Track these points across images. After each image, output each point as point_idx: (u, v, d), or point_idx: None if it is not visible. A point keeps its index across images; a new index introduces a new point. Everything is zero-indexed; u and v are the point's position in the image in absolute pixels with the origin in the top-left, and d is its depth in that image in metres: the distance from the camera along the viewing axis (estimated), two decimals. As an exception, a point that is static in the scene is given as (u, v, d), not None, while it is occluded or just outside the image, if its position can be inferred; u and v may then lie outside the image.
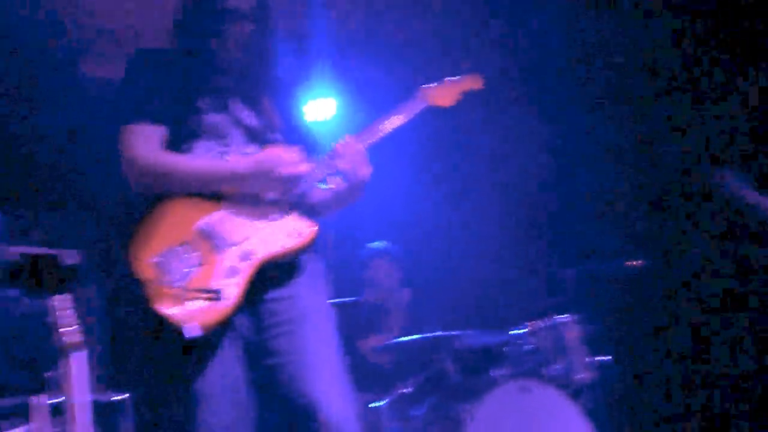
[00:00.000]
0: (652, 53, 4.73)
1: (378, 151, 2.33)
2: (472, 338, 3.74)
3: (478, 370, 3.64)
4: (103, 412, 3.43)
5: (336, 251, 4.73)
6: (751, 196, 3.89)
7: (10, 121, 4.24)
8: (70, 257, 3.59)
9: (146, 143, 2.18)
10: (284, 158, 2.16)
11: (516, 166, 4.93)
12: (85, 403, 2.97)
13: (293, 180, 2.16)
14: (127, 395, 3.46)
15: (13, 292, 2.03)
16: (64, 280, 2.86)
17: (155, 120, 2.21)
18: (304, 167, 2.17)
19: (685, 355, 4.50)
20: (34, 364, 2.63)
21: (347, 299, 4.04)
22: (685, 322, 4.46)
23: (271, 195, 2.17)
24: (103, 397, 3.51)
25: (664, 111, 4.74)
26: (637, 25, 4.65)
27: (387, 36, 4.88)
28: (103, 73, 4.41)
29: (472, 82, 2.60)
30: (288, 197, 2.18)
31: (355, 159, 2.25)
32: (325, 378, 2.07)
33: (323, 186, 2.31)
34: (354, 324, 4.12)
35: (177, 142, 2.22)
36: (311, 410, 2.02)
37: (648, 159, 4.79)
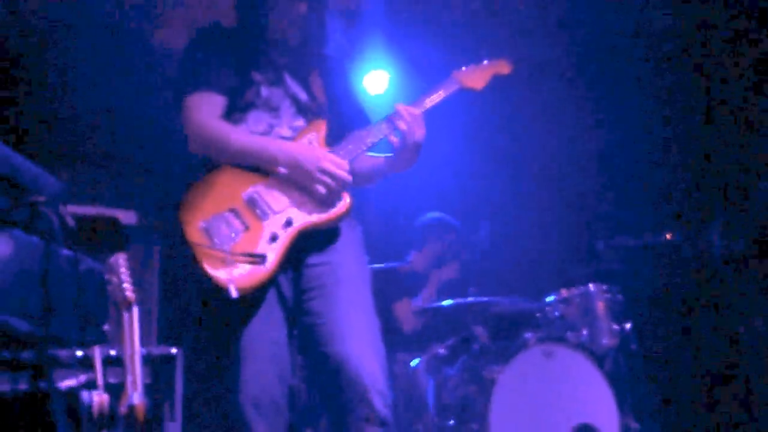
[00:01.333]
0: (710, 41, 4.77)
1: (432, 128, 2.47)
2: (505, 305, 3.90)
3: (508, 335, 3.80)
4: (155, 364, 3.69)
5: (389, 218, 4.92)
6: None
7: (77, 84, 4.41)
8: (126, 218, 3.84)
9: (208, 110, 2.38)
10: (324, 162, 2.30)
11: (561, 146, 5.02)
12: (137, 354, 3.23)
13: (326, 186, 2.30)
14: (178, 349, 3.71)
15: (74, 253, 2.22)
16: (120, 240, 3.10)
17: (216, 89, 2.40)
18: (339, 173, 2.30)
19: (709, 331, 4.59)
20: (94, 319, 2.85)
21: (393, 264, 4.22)
22: (712, 300, 4.53)
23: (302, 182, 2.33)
24: (156, 350, 3.76)
25: (712, 101, 4.77)
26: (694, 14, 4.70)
27: (442, 11, 4.98)
28: (171, 42, 4.61)
29: (503, 67, 2.71)
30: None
31: (414, 121, 2.39)
32: (356, 338, 2.25)
33: (375, 154, 2.47)
34: (395, 287, 4.30)
35: (234, 110, 2.42)
36: (342, 367, 2.21)
37: (690, 146, 4.85)
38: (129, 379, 3.25)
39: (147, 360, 3.59)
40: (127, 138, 4.61)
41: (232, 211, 2.26)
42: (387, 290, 4.17)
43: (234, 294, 2.11)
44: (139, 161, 4.64)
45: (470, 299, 3.83)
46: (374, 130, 2.44)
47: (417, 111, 2.42)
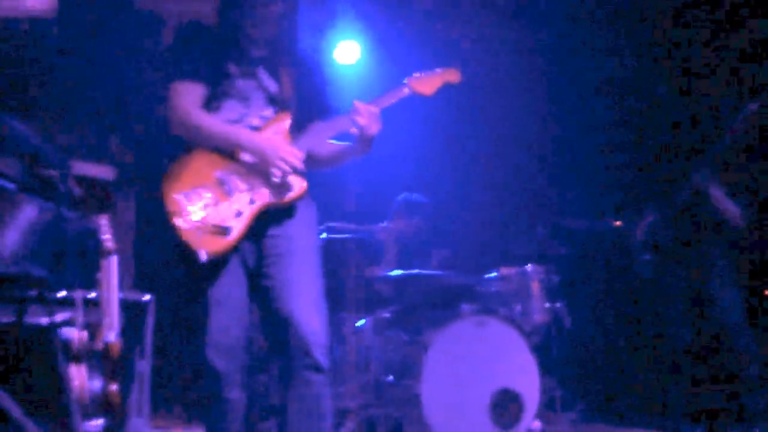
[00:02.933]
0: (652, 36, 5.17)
1: (395, 116, 2.86)
2: (446, 278, 4.34)
3: (448, 305, 4.25)
4: (129, 308, 4.11)
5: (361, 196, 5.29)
6: (719, 197, 4.37)
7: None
8: (105, 172, 4.22)
9: (189, 99, 2.75)
10: (282, 151, 2.69)
11: (514, 133, 5.43)
12: (114, 298, 3.67)
13: (282, 171, 2.69)
14: (151, 295, 4.12)
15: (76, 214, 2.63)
16: (109, 202, 3.49)
17: (197, 79, 2.77)
18: (294, 163, 2.69)
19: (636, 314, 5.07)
20: (90, 268, 3.25)
21: (364, 233, 4.62)
22: (640, 284, 4.98)
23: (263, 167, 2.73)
24: (130, 296, 4.17)
25: (656, 93, 5.18)
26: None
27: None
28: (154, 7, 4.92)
29: (452, 75, 3.07)
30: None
31: (371, 117, 2.77)
32: (302, 298, 2.68)
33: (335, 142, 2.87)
34: (364, 254, 4.71)
35: (212, 99, 2.79)
36: (291, 322, 2.65)
37: (633, 137, 5.26)
38: (105, 320, 3.69)
39: (122, 304, 4.04)
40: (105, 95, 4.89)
41: (205, 187, 2.66)
42: (358, 256, 4.61)
43: (203, 258, 2.52)
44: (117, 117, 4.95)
45: (415, 271, 4.26)
46: (336, 123, 2.82)
47: (375, 109, 2.80)
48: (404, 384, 3.81)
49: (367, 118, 2.76)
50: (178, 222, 2.59)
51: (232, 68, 2.83)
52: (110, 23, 4.88)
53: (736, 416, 4.28)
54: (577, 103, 5.43)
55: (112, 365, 3.82)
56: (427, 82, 3.01)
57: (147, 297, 4.08)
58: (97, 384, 3.71)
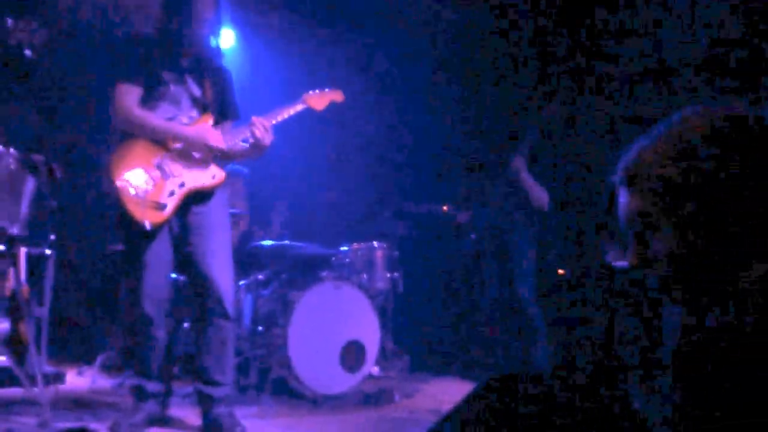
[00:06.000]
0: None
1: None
2: (309, 249, 5.20)
3: (310, 271, 5.10)
4: (32, 260, 4.63)
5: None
6: (528, 182, 5.34)
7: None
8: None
9: (131, 98, 3.40)
10: (211, 135, 3.46)
11: (363, 140, 6.37)
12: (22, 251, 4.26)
13: (213, 151, 3.47)
14: (51, 250, 4.66)
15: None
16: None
17: (138, 83, 3.42)
18: (215, 143, 3.45)
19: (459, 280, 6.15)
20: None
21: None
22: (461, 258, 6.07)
23: (198, 154, 3.48)
24: (34, 250, 4.69)
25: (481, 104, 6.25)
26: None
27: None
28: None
29: (337, 96, 3.91)
30: (210, 155, 3.51)
31: (264, 131, 3.52)
32: (216, 262, 3.47)
33: (244, 144, 3.62)
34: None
35: (149, 100, 3.45)
36: (208, 280, 3.44)
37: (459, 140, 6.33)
38: (12, 269, 4.30)
39: (27, 256, 4.64)
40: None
41: (146, 170, 3.37)
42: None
43: (148, 227, 3.26)
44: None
45: (285, 242, 5.10)
46: (240, 132, 3.55)
47: (267, 123, 3.52)
48: (273, 333, 4.61)
49: (261, 131, 3.50)
50: (125, 197, 3.30)
51: (167, 75, 3.53)
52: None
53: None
54: (415, 113, 6.43)
55: (18, 309, 4.40)
56: (319, 99, 3.84)
57: (48, 251, 4.63)
58: (4, 325, 4.29)
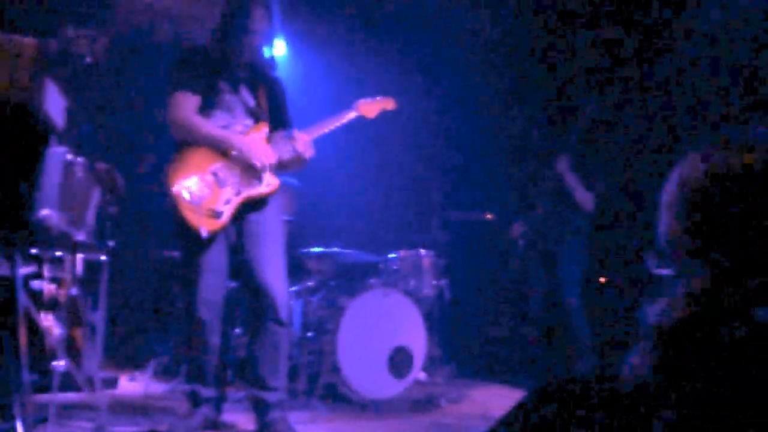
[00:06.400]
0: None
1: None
2: (357, 256, 5.24)
3: (358, 278, 5.15)
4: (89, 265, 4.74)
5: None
6: (573, 183, 5.33)
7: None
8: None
9: (187, 107, 3.48)
10: (259, 149, 3.51)
11: (413, 149, 6.43)
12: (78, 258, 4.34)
13: (256, 167, 3.52)
14: (106, 257, 4.77)
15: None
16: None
17: (193, 92, 3.50)
18: (268, 160, 3.51)
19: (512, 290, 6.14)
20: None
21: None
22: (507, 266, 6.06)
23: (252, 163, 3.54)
24: (90, 256, 4.80)
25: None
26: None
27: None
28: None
29: (389, 104, 3.97)
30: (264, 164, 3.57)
31: (305, 144, 3.62)
32: (271, 270, 3.52)
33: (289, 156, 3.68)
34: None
35: (204, 108, 3.53)
36: (263, 287, 3.49)
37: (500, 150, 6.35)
38: (68, 276, 4.39)
39: (84, 263, 4.74)
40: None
41: (202, 179, 3.45)
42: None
43: (205, 234, 3.32)
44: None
45: (334, 249, 5.15)
46: (288, 144, 3.60)
47: (308, 137, 3.60)
48: (322, 339, 4.66)
49: (302, 145, 3.59)
50: (182, 204, 3.37)
51: (222, 85, 3.60)
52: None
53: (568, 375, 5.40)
54: (458, 122, 6.47)
55: (74, 314, 4.51)
56: (371, 107, 3.90)
57: (104, 257, 4.74)
58: (61, 330, 4.39)
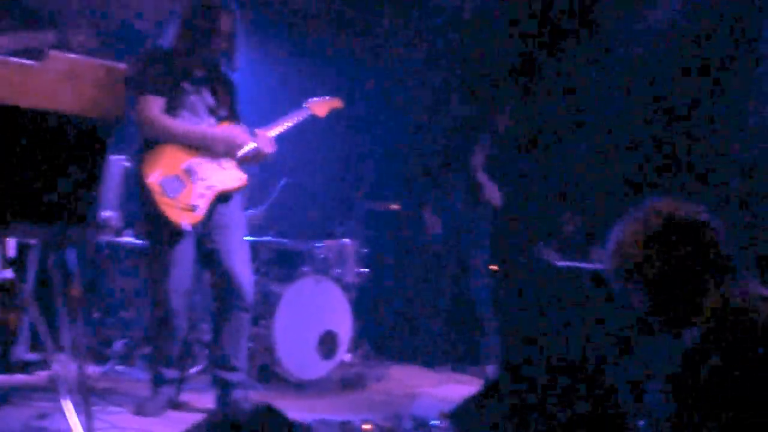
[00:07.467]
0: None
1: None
2: (289, 244, 5.52)
3: (289, 265, 5.43)
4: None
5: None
6: (482, 178, 5.78)
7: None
8: None
9: (155, 108, 3.67)
10: (238, 133, 3.77)
11: (345, 143, 6.73)
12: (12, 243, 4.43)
13: (238, 149, 3.79)
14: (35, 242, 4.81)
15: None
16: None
17: (159, 94, 3.68)
18: (248, 143, 3.80)
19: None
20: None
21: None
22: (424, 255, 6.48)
23: (222, 154, 3.79)
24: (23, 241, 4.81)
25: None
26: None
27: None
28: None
29: (337, 103, 4.29)
30: (234, 157, 3.83)
31: (266, 140, 3.89)
32: (239, 258, 3.79)
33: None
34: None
35: (169, 110, 3.72)
36: (230, 275, 3.75)
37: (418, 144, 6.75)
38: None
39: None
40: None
41: (176, 175, 3.65)
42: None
43: (188, 228, 3.54)
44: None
45: (268, 238, 5.40)
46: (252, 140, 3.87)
47: (268, 134, 3.90)
48: (261, 324, 4.92)
49: (262, 142, 3.88)
50: (159, 199, 3.56)
51: (185, 85, 3.79)
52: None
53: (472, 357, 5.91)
54: (379, 121, 6.80)
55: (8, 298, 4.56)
56: (321, 106, 4.20)
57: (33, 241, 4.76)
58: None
